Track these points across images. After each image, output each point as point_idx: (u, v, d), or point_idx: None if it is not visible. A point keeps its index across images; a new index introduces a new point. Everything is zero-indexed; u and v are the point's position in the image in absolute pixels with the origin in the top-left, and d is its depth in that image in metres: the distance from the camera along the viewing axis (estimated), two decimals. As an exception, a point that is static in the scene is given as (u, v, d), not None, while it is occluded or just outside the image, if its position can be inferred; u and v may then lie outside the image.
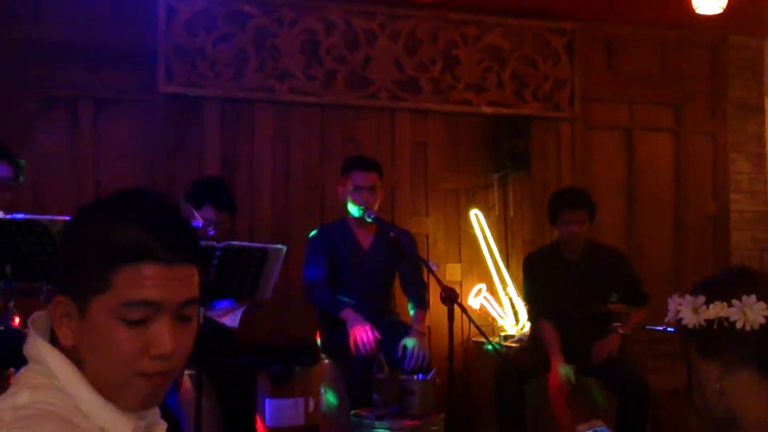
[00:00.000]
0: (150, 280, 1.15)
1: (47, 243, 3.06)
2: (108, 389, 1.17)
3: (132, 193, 1.22)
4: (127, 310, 1.14)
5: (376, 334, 3.96)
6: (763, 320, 1.45)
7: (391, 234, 4.06)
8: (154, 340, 1.16)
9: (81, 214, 1.20)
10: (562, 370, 4.09)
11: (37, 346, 1.18)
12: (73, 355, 1.17)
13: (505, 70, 5.36)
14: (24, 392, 1.15)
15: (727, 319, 1.47)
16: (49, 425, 1.11)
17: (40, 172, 4.41)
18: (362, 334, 3.94)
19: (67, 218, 3.15)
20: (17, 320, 3.68)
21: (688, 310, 1.52)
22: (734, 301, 1.47)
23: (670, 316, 1.56)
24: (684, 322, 1.53)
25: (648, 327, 4.60)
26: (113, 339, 1.15)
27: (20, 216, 3.14)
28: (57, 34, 4.57)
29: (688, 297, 1.53)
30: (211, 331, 3.97)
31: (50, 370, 1.16)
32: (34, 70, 4.55)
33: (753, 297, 1.46)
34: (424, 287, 4.32)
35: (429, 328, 4.97)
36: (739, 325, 1.46)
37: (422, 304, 4.29)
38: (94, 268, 1.15)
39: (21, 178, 3.73)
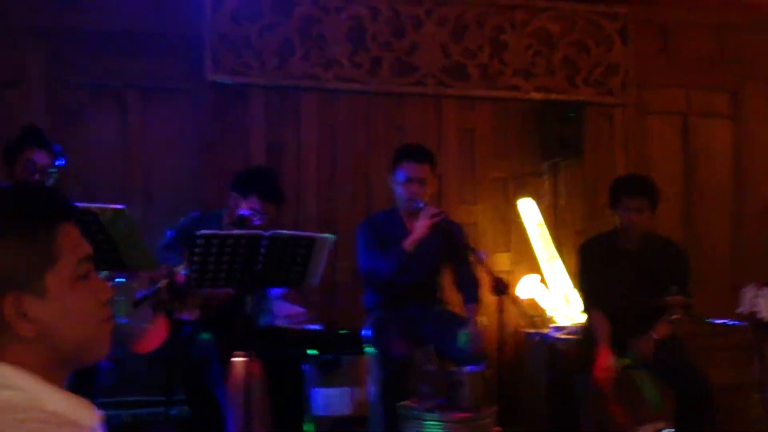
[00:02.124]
0: (80, 237, 1.24)
1: (97, 231, 3.10)
2: (84, 348, 1.24)
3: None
4: (80, 267, 1.22)
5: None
6: None
7: (443, 223, 4.03)
8: (99, 288, 1.26)
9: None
10: (608, 362, 4.04)
11: None
12: (30, 347, 1.18)
13: (555, 55, 5.33)
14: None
15: None
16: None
17: (89, 160, 4.51)
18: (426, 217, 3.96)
19: (117, 206, 3.21)
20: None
21: (764, 303, 1.49)
22: None
23: (743, 308, 1.52)
24: (761, 315, 1.49)
25: (708, 320, 4.54)
26: (79, 296, 1.22)
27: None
28: (105, 24, 4.67)
29: (765, 289, 1.50)
30: (259, 313, 4.03)
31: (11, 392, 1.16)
32: (83, 60, 4.65)
33: None
34: (478, 284, 4.28)
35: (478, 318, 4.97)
36: None
37: (475, 299, 4.25)
38: (39, 244, 1.18)
39: (59, 163, 3.81)
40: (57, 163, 3.85)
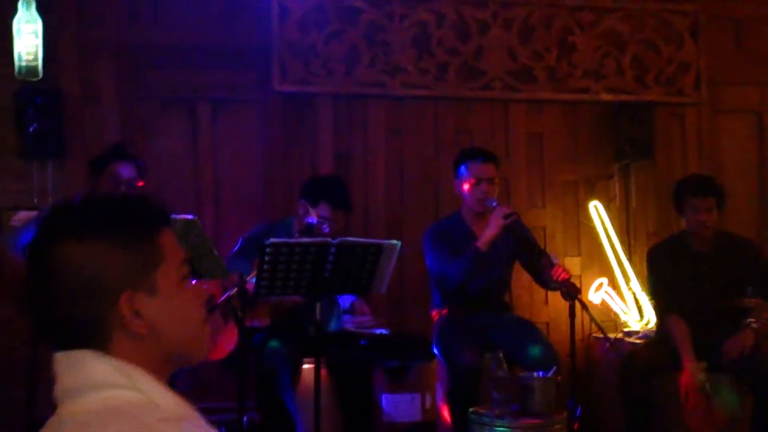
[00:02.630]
0: (177, 241, 1.29)
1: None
2: (185, 349, 1.27)
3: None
4: (183, 267, 1.27)
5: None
6: None
7: (514, 222, 3.99)
8: (198, 289, 1.31)
9: (114, 212, 1.24)
10: (695, 371, 3.95)
11: (104, 371, 1.18)
12: (141, 346, 1.21)
13: (624, 56, 5.25)
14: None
15: None
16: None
17: (161, 172, 4.60)
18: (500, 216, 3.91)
19: (188, 216, 3.27)
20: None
21: None
22: None
23: None
24: None
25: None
26: (185, 297, 1.27)
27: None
28: (174, 38, 4.76)
29: None
30: (329, 319, 4.06)
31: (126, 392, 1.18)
32: (153, 73, 4.75)
33: None
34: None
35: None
36: None
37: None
38: (148, 244, 1.23)
39: (142, 177, 3.91)
40: (141, 177, 3.96)
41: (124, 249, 1.20)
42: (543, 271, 4.08)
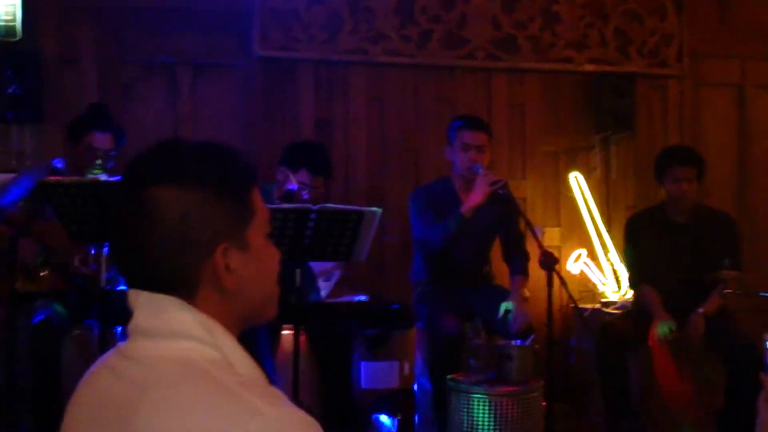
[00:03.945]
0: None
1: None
2: (261, 309, 1.26)
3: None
4: (268, 225, 1.26)
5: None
6: None
7: (500, 191, 3.99)
8: (276, 250, 1.28)
9: (202, 166, 1.20)
10: (660, 325, 3.99)
11: (188, 322, 1.16)
12: (225, 301, 1.19)
13: (607, 26, 5.23)
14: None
15: None
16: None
17: (140, 136, 4.52)
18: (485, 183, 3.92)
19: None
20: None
21: None
22: None
23: None
24: None
25: (761, 294, 4.46)
26: (270, 254, 1.26)
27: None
28: (155, 1, 4.68)
29: None
30: (308, 289, 4.05)
31: (209, 348, 1.15)
32: (133, 37, 4.68)
33: None
34: (527, 257, 4.26)
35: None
36: None
37: (524, 272, 4.23)
38: (245, 199, 1.22)
39: (120, 146, 3.86)
40: (119, 145, 3.91)
41: (224, 201, 1.18)
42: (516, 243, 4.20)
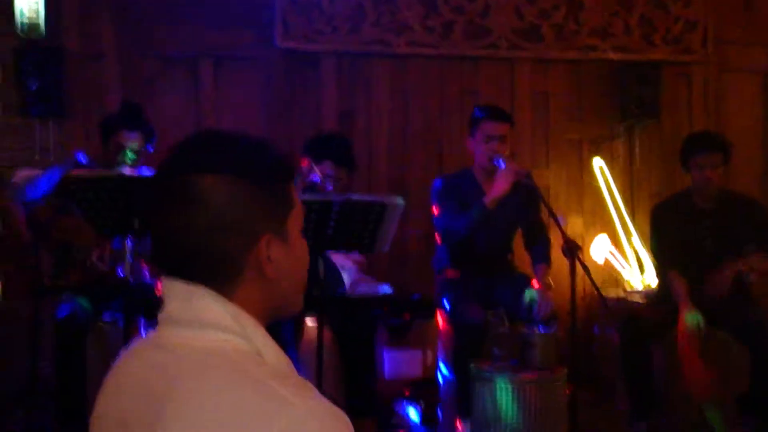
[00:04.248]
0: None
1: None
2: (291, 300, 1.26)
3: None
4: (302, 218, 1.26)
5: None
6: None
7: (524, 181, 3.95)
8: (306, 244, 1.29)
9: (248, 158, 1.20)
10: (690, 317, 3.94)
11: (219, 312, 1.16)
12: (262, 290, 1.19)
13: (632, 14, 5.17)
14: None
15: None
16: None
17: (164, 129, 4.53)
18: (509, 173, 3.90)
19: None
20: (147, 274, 3.85)
21: None
22: None
23: None
24: None
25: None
26: (303, 247, 1.26)
27: (146, 172, 3.23)
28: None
29: None
30: (333, 282, 4.04)
31: (241, 340, 1.15)
32: (155, 30, 4.69)
33: None
34: (549, 245, 4.22)
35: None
36: None
37: (546, 260, 4.20)
38: (286, 191, 1.22)
39: (149, 144, 3.86)
40: (148, 146, 3.91)
41: (267, 192, 1.19)
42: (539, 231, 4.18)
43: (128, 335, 3.24)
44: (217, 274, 1.16)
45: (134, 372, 1.18)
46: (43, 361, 3.46)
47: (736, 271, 4.03)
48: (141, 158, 3.84)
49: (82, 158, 3.67)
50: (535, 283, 4.05)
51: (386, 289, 4.21)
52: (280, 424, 1.03)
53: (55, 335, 3.49)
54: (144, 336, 1.25)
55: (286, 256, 1.21)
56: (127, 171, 3.34)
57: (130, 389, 1.16)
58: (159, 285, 3.65)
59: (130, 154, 3.76)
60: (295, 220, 1.24)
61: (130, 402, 1.15)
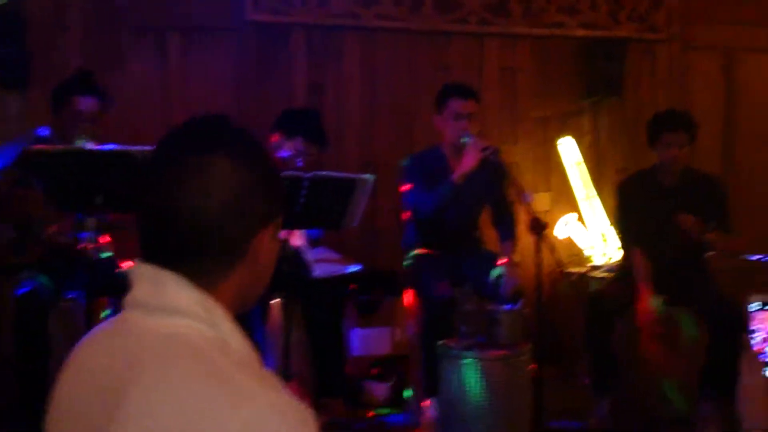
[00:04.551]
0: None
1: (137, 173, 3.07)
2: (258, 294, 1.25)
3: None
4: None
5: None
6: None
7: (491, 157, 3.92)
8: None
9: (245, 147, 1.20)
10: (651, 302, 3.98)
11: (188, 299, 1.14)
12: (244, 281, 1.19)
13: (599, -9, 5.14)
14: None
15: None
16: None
17: (130, 102, 4.45)
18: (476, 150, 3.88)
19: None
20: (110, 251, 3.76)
21: None
22: None
23: None
24: None
25: (744, 256, 4.46)
26: (278, 245, 1.26)
27: (110, 147, 3.15)
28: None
29: None
30: (298, 260, 3.99)
31: (207, 327, 1.13)
32: (122, 1, 4.55)
33: None
34: (515, 222, 4.23)
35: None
36: None
37: (512, 237, 4.21)
38: (281, 186, 1.26)
39: (106, 110, 3.75)
40: (105, 110, 3.78)
41: (274, 180, 1.22)
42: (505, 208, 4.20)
43: (91, 314, 3.19)
44: (219, 258, 1.16)
45: (98, 357, 1.15)
46: (4, 340, 3.38)
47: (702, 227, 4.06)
48: (96, 124, 3.72)
49: (44, 132, 3.57)
50: (501, 260, 4.06)
51: (353, 268, 4.18)
52: (242, 415, 1.01)
53: (15, 314, 3.40)
54: (110, 319, 1.22)
55: (270, 250, 1.22)
56: (89, 146, 3.24)
57: (93, 374, 1.13)
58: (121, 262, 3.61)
59: (86, 128, 3.64)
60: (281, 214, 1.25)
61: (92, 387, 1.12)
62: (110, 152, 3.12)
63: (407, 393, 4.12)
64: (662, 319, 4.01)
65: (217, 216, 1.13)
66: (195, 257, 1.14)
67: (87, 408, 1.11)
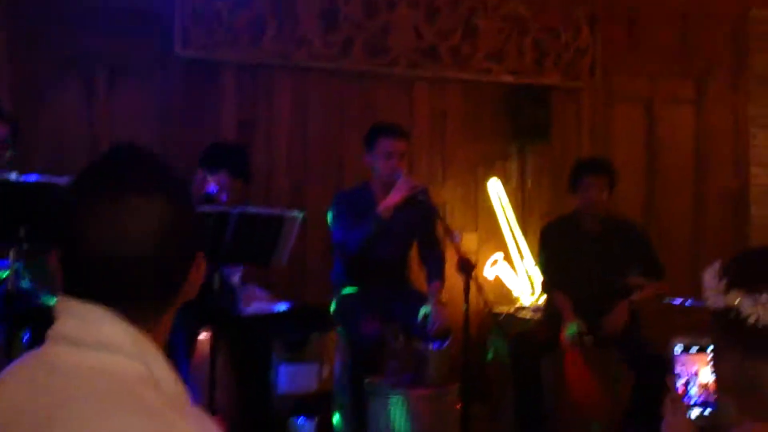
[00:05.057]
0: None
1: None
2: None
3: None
4: None
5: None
6: None
7: (420, 198, 3.95)
8: None
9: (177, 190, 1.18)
10: (568, 327, 4.04)
11: (118, 335, 1.10)
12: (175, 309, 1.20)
13: (525, 39, 5.26)
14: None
15: (741, 311, 1.38)
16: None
17: (55, 135, 4.36)
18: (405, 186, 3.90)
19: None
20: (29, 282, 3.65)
21: (712, 291, 1.43)
22: (755, 295, 1.36)
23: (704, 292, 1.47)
24: (708, 302, 1.44)
25: (667, 300, 4.55)
26: (202, 273, 1.24)
27: (33, 178, 3.08)
28: (73, -1, 4.50)
29: (713, 276, 1.43)
30: (226, 296, 3.93)
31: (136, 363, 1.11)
32: (49, 35, 4.44)
33: (766, 296, 1.35)
34: (444, 260, 4.24)
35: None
36: (750, 320, 1.36)
37: (440, 277, 4.20)
38: (197, 213, 1.25)
39: (16, 139, 3.67)
40: (15, 138, 3.70)
41: (195, 216, 1.20)
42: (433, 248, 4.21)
43: (10, 348, 3.09)
44: (157, 299, 1.14)
45: (21, 393, 1.10)
46: None
47: (629, 309, 4.14)
48: (7, 151, 3.63)
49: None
50: (429, 300, 4.05)
51: (282, 307, 4.13)
52: None
53: None
54: (29, 353, 1.17)
55: (200, 274, 1.21)
56: (12, 176, 3.15)
57: (16, 411, 1.08)
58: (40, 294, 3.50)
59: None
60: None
61: (14, 425, 1.07)
62: (32, 184, 3.06)
63: (338, 426, 4.05)
64: (584, 344, 4.04)
65: (156, 261, 1.12)
66: (131, 300, 1.11)
67: None
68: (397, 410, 3.47)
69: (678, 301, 4.58)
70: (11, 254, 3.19)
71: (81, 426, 1.02)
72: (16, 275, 3.32)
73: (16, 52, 4.40)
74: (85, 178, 1.15)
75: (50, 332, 1.12)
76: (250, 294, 4.15)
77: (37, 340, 3.18)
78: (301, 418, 4.19)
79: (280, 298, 4.30)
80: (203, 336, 3.82)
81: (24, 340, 3.45)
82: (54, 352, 1.11)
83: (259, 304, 4.14)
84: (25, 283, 3.55)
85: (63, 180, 3.06)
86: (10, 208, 3.03)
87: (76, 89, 4.53)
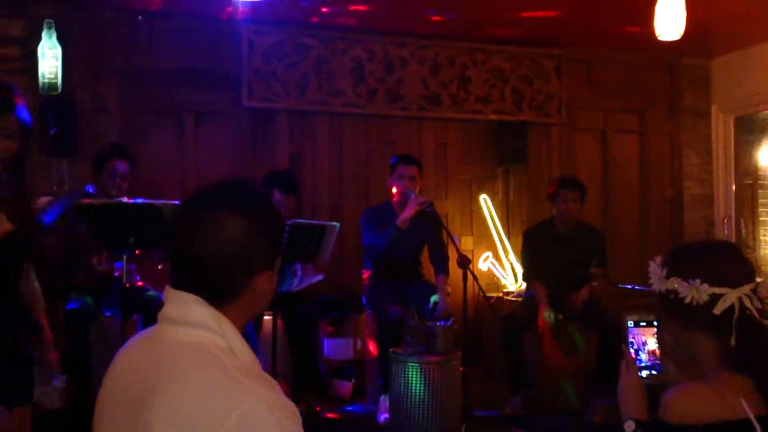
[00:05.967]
0: None
1: (160, 221, 3.09)
2: (260, 311, 1.24)
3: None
4: None
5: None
6: (707, 298, 1.36)
7: (427, 209, 4.00)
8: None
9: (251, 204, 1.17)
10: (546, 314, 4.06)
11: (204, 315, 1.14)
12: (249, 306, 1.18)
13: (506, 87, 5.26)
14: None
15: (678, 292, 1.39)
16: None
17: (155, 168, 4.45)
18: (415, 202, 3.92)
19: (175, 202, 3.21)
20: (139, 279, 3.75)
21: (655, 278, 1.44)
22: (689, 280, 1.37)
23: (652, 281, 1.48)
24: (653, 287, 1.45)
25: (620, 285, 4.55)
26: (274, 283, 1.21)
27: (140, 201, 3.17)
28: (165, 62, 4.57)
29: (656, 267, 1.43)
30: (285, 276, 3.99)
31: (215, 337, 1.13)
32: (149, 90, 4.55)
33: (698, 281, 1.37)
34: (447, 258, 4.27)
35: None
36: (687, 300, 1.38)
37: (445, 271, 4.24)
38: (280, 235, 1.24)
39: (134, 170, 3.80)
40: (133, 170, 3.83)
41: (272, 235, 1.17)
42: (439, 250, 4.21)
43: (124, 328, 3.16)
44: (226, 290, 1.15)
45: (135, 358, 1.16)
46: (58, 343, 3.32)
47: (587, 292, 4.17)
48: (128, 182, 3.75)
49: (90, 189, 3.57)
50: (437, 289, 4.10)
51: (317, 278, 4.16)
52: (242, 407, 1.03)
53: (65, 323, 3.38)
54: (143, 330, 1.22)
55: (270, 282, 1.19)
56: (125, 200, 3.26)
57: (131, 371, 1.14)
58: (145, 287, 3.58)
59: (118, 185, 3.68)
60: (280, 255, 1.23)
61: (130, 381, 1.13)
62: (140, 205, 3.14)
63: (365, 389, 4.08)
64: (556, 327, 4.07)
65: (224, 262, 1.13)
66: (210, 288, 1.14)
67: (127, 398, 1.11)
68: (413, 374, 3.47)
69: (629, 286, 4.59)
70: (124, 258, 3.26)
71: (175, 382, 1.06)
72: (128, 274, 3.42)
73: (125, 105, 4.50)
74: (191, 197, 1.19)
75: (159, 314, 1.18)
76: (309, 271, 4.19)
77: (148, 323, 3.29)
78: (342, 379, 4.24)
79: (324, 287, 4.33)
80: (267, 317, 3.90)
81: (138, 324, 3.56)
82: (161, 329, 1.16)
83: (304, 279, 4.17)
84: (134, 280, 3.65)
85: (161, 202, 3.16)
86: (123, 224, 3.08)
87: (170, 131, 4.62)
